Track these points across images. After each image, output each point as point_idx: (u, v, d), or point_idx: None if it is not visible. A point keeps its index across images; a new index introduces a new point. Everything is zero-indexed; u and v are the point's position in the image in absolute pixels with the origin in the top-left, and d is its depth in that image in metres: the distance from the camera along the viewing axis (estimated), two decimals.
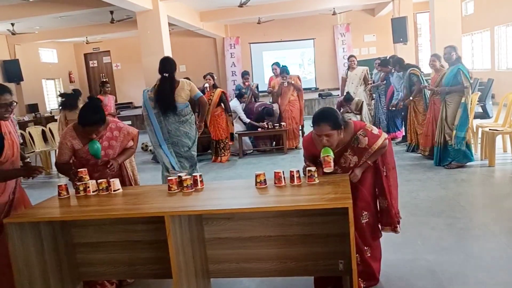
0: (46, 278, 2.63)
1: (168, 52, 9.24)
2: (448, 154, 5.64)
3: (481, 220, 3.81)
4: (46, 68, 15.14)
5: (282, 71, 7.92)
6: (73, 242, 2.87)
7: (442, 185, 4.97)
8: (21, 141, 2.85)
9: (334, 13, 12.99)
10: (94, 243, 2.85)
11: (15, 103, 2.62)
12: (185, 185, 2.62)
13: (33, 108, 13.42)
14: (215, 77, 8.28)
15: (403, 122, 7.72)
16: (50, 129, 8.27)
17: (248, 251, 2.72)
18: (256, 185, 2.61)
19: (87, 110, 2.95)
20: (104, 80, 13.71)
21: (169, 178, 2.68)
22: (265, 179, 2.62)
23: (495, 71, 11.81)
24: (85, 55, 16.86)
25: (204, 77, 7.46)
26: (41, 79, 14.84)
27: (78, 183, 2.78)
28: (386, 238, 3.61)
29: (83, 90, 16.90)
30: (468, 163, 5.58)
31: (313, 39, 15.08)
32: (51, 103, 15.36)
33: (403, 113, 7.56)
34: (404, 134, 7.60)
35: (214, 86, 7.39)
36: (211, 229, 2.74)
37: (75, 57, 16.85)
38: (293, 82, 7.86)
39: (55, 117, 13.52)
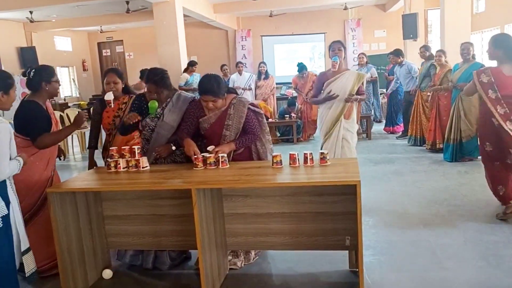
0: (80, 244, 2.91)
1: (182, 43, 9.46)
2: (463, 150, 5.81)
3: (481, 209, 4.03)
4: (61, 56, 15.42)
5: (300, 68, 8.20)
6: (104, 214, 3.13)
7: (446, 176, 5.20)
8: None
9: (345, 8, 13.12)
10: (122, 215, 3.12)
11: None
12: (208, 162, 2.87)
13: None
14: (227, 69, 8.38)
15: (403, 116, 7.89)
16: (67, 115, 8.56)
17: (264, 226, 2.97)
18: (272, 165, 2.86)
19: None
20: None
21: (195, 156, 2.92)
22: (281, 160, 2.86)
23: None
24: (99, 44, 17.11)
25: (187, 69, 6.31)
26: (56, 66, 15.12)
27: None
28: (391, 223, 3.86)
29: (95, 78, 17.22)
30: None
31: (324, 33, 15.20)
32: (65, 90, 15.65)
33: (402, 108, 7.78)
34: (403, 128, 7.77)
35: None
36: (230, 205, 3.00)
37: (89, 45, 17.11)
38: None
39: (69, 104, 13.84)
